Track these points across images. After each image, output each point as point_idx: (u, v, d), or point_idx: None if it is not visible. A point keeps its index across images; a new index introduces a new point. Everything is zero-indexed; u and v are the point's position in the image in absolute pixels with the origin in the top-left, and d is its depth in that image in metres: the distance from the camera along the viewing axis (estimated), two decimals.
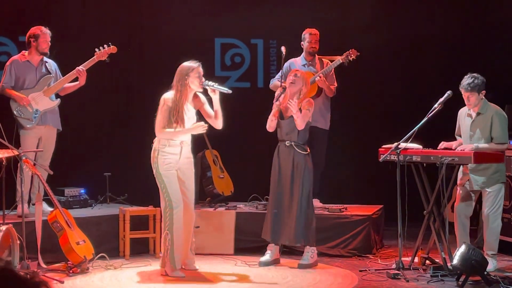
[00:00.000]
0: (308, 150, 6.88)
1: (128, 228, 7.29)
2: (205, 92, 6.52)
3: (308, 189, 6.81)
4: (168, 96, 6.36)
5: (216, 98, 6.42)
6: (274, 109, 6.90)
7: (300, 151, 6.81)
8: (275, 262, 6.97)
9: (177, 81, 6.36)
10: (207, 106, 6.53)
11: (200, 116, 6.63)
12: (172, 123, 6.32)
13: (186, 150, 6.46)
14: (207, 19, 9.58)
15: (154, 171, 6.40)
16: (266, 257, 6.99)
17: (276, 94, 7.10)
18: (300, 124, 6.70)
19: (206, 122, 6.51)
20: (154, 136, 6.49)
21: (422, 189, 6.65)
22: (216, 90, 6.40)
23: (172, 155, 6.37)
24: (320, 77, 7.63)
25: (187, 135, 6.44)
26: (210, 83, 6.40)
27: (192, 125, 6.38)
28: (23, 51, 7.48)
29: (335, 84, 7.89)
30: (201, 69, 6.40)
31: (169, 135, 6.32)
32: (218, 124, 6.53)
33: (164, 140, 6.37)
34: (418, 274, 6.45)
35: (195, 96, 6.48)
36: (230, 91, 6.44)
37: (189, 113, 6.43)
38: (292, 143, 6.82)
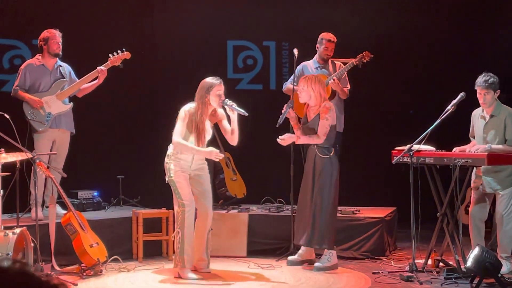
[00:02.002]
0: (332, 153, 6.85)
1: (141, 231, 7.31)
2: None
3: (328, 192, 6.78)
4: (190, 109, 6.40)
5: (234, 117, 6.50)
6: (291, 122, 6.99)
7: (321, 154, 6.81)
8: (304, 263, 6.95)
9: (199, 98, 6.42)
10: (225, 122, 6.60)
11: (218, 130, 6.67)
12: (189, 134, 6.37)
13: (198, 157, 6.50)
14: (220, 22, 9.60)
15: (166, 178, 6.44)
16: (295, 256, 7.00)
17: (283, 115, 7.02)
18: (318, 141, 6.74)
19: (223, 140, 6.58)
20: (168, 139, 6.51)
21: (436, 191, 6.63)
22: (234, 110, 6.44)
23: (184, 161, 6.43)
24: (333, 79, 7.61)
25: (202, 154, 6.47)
26: (229, 102, 6.45)
27: (208, 149, 6.42)
28: (38, 54, 7.53)
29: (348, 86, 7.87)
30: (222, 87, 6.46)
31: (183, 148, 6.38)
32: (234, 141, 6.61)
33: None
34: (431, 276, 6.43)
35: (214, 111, 6.53)
36: (246, 114, 6.47)
37: (206, 126, 6.48)
38: (315, 146, 6.83)
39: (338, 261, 6.99)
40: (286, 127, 7.04)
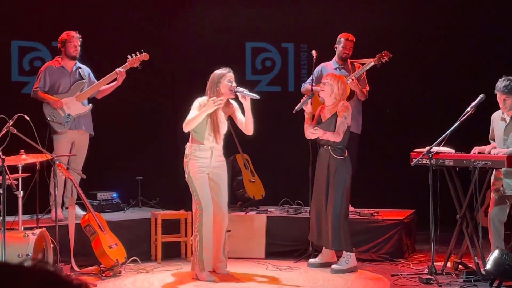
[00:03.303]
0: (346, 154, 6.84)
1: (160, 232, 7.33)
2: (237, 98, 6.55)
3: (342, 194, 6.78)
4: (203, 100, 6.41)
5: (247, 105, 6.46)
6: (306, 116, 6.89)
7: (336, 155, 6.79)
8: (325, 265, 6.93)
9: (209, 88, 6.42)
10: (238, 113, 6.57)
11: (232, 122, 6.67)
12: (202, 125, 6.36)
13: (217, 154, 6.49)
14: (238, 24, 9.61)
15: (186, 176, 6.45)
16: (316, 259, 6.99)
17: (302, 103, 6.97)
18: (336, 139, 6.72)
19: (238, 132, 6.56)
20: (186, 140, 6.53)
21: (455, 193, 6.60)
22: (247, 96, 6.43)
23: (203, 159, 6.42)
24: (352, 79, 7.60)
25: (213, 141, 6.44)
26: (241, 89, 6.43)
27: (208, 103, 6.32)
28: (57, 56, 7.58)
29: (367, 87, 7.85)
30: (232, 75, 6.44)
31: (192, 122, 6.30)
32: (249, 130, 6.56)
33: (195, 144, 6.42)
34: (451, 279, 6.40)
35: (228, 102, 6.52)
36: (258, 97, 6.46)
37: (221, 117, 6.47)
38: (329, 147, 6.81)
39: (357, 263, 6.96)
40: (298, 121, 7.01)
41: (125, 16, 9.26)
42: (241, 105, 6.55)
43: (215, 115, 6.39)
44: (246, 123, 6.52)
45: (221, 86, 6.39)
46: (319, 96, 7.00)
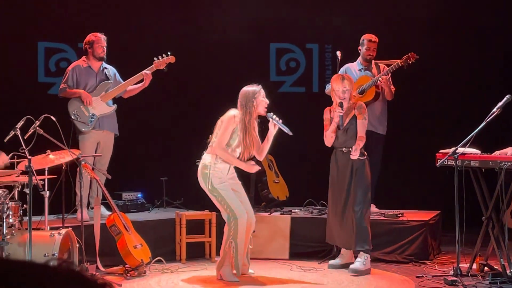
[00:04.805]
0: (366, 154, 6.84)
1: (184, 232, 7.35)
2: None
3: (364, 194, 6.77)
4: (237, 114, 6.39)
5: (273, 132, 6.48)
6: (333, 126, 6.82)
7: (358, 156, 6.77)
8: (346, 266, 6.90)
9: (245, 104, 6.39)
10: (256, 133, 6.57)
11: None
12: (232, 139, 6.38)
13: (232, 171, 6.51)
14: (262, 24, 9.61)
15: (208, 187, 6.39)
16: (336, 260, 6.98)
17: (335, 116, 6.90)
18: (363, 142, 6.70)
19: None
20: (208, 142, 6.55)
21: (481, 194, 6.55)
22: (277, 125, 6.44)
23: (222, 170, 6.41)
24: (382, 78, 7.58)
25: (241, 167, 6.50)
26: (275, 117, 6.44)
27: (248, 164, 6.45)
28: (84, 57, 7.64)
29: (393, 88, 7.83)
30: (263, 91, 6.48)
31: (226, 157, 6.37)
32: (261, 155, 6.60)
33: (217, 157, 6.41)
34: (476, 281, 6.35)
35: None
36: (291, 133, 6.44)
37: (254, 131, 6.52)
38: (350, 149, 6.78)
39: (381, 264, 6.95)
40: (322, 122, 6.99)
41: (150, 17, 9.30)
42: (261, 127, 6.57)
43: (251, 136, 6.39)
44: (262, 149, 6.54)
45: (258, 102, 6.41)
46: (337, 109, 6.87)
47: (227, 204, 6.35)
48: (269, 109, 6.56)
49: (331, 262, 7.02)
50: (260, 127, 6.60)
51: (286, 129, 6.45)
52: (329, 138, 6.86)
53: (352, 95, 6.86)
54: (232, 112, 6.40)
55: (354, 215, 6.73)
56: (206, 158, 6.45)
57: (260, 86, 6.48)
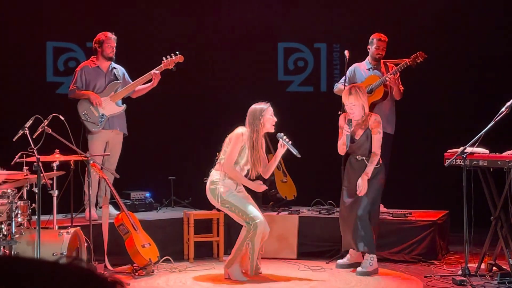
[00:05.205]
0: (381, 163, 6.79)
1: (192, 232, 7.36)
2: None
3: (372, 197, 6.73)
4: (244, 132, 6.41)
5: (281, 152, 6.52)
6: (343, 139, 6.77)
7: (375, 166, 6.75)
8: (353, 266, 6.89)
9: (252, 121, 6.42)
10: (263, 150, 6.59)
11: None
12: (240, 156, 6.40)
13: (240, 187, 6.52)
14: (270, 24, 9.61)
15: (218, 200, 6.41)
16: (344, 260, 6.98)
17: (344, 129, 6.84)
18: (377, 158, 6.69)
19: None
20: (219, 140, 6.55)
21: (489, 194, 6.53)
22: (286, 146, 6.47)
23: (229, 185, 6.44)
24: (390, 77, 7.56)
25: (249, 187, 6.52)
26: (285, 137, 6.47)
27: (256, 183, 6.48)
28: (93, 57, 7.65)
29: (401, 87, 7.81)
30: (271, 109, 6.49)
31: (235, 176, 6.41)
32: (267, 174, 6.63)
33: (226, 174, 6.43)
34: (484, 280, 6.33)
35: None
36: (299, 156, 6.48)
37: (263, 153, 6.55)
38: (364, 158, 6.77)
39: (389, 264, 6.94)
40: (330, 122, 6.98)
41: (159, 17, 9.31)
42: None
43: (258, 153, 6.42)
44: (269, 167, 6.57)
45: (265, 120, 6.43)
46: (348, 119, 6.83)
47: (242, 210, 6.37)
48: (277, 108, 6.57)
49: (339, 261, 7.02)
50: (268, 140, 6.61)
51: (295, 151, 6.49)
52: (341, 149, 6.84)
53: (363, 108, 6.74)
54: (240, 130, 6.42)
55: (356, 215, 6.70)
56: (214, 174, 6.49)
57: (268, 104, 6.50)
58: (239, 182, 6.45)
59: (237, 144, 6.38)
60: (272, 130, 6.52)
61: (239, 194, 6.47)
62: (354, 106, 6.68)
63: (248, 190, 6.57)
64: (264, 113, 6.43)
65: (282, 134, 6.49)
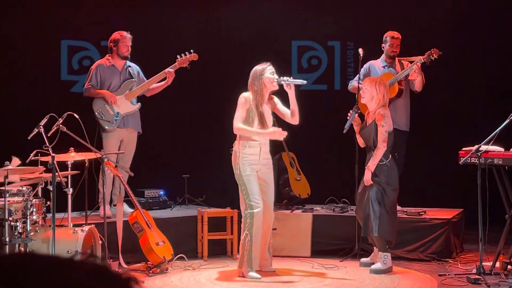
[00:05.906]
0: (388, 159, 6.74)
1: (206, 230, 7.37)
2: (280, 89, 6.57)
3: (374, 197, 6.66)
4: (247, 94, 6.47)
5: (292, 94, 6.50)
6: (356, 129, 6.86)
7: (379, 162, 6.73)
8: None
9: (252, 83, 6.48)
10: (280, 106, 6.62)
11: (277, 118, 6.66)
12: (249, 121, 6.41)
13: (265, 151, 6.52)
14: (284, 22, 9.60)
15: (236, 172, 6.46)
16: (367, 259, 6.98)
17: (350, 120, 6.88)
18: (382, 151, 6.67)
19: (282, 125, 6.56)
20: (233, 139, 6.56)
21: (504, 192, 6.50)
22: (291, 84, 6.45)
23: (252, 155, 6.44)
24: (417, 65, 7.51)
25: (262, 137, 6.49)
26: (285, 78, 6.46)
27: (271, 129, 6.42)
28: (107, 55, 7.67)
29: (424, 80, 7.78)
30: (273, 68, 6.49)
31: (245, 132, 6.41)
32: (295, 119, 6.61)
33: (244, 141, 6.44)
34: (499, 279, 6.31)
35: (270, 97, 6.55)
36: (304, 82, 6.52)
37: (266, 113, 6.50)
38: (372, 151, 6.77)
39: (404, 262, 6.91)
40: (344, 120, 6.98)
41: (173, 15, 9.32)
42: (281, 97, 6.57)
43: (262, 111, 6.42)
44: (292, 112, 6.55)
45: (264, 79, 6.44)
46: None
47: (248, 194, 6.37)
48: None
49: (363, 260, 6.99)
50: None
51: (299, 81, 6.51)
52: (358, 140, 6.87)
53: (372, 98, 6.76)
54: (242, 94, 6.48)
55: (367, 210, 6.69)
56: (235, 145, 6.52)
57: (268, 63, 6.51)
58: (252, 135, 6.42)
59: (240, 107, 6.42)
60: (273, 88, 6.51)
61: (263, 171, 6.45)
62: (366, 90, 6.74)
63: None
64: (264, 72, 6.46)
65: (280, 77, 6.46)
